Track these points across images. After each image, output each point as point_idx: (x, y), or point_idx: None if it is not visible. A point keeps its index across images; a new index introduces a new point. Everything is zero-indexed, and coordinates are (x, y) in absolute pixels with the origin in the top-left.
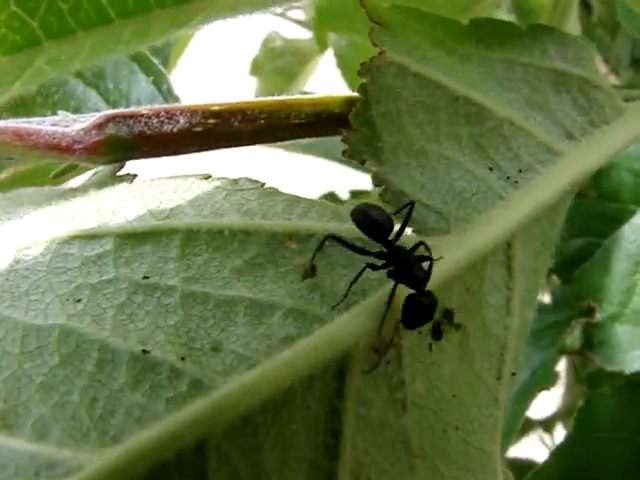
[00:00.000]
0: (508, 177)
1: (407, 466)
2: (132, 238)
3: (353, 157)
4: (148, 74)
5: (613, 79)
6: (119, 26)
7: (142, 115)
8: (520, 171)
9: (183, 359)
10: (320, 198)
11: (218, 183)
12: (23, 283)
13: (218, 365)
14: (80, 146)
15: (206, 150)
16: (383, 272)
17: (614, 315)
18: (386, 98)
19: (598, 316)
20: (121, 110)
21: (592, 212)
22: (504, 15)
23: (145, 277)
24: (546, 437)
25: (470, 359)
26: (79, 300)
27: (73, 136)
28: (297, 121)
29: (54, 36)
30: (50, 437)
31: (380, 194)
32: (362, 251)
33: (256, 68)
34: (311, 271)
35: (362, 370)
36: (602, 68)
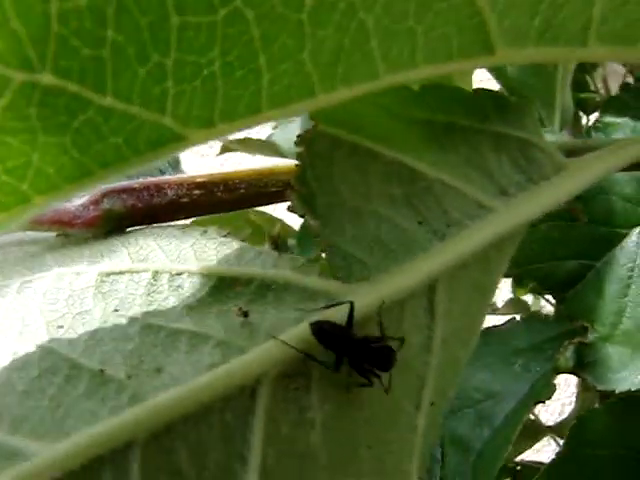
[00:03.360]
0: (435, 230)
1: (315, 477)
2: (111, 276)
3: (295, 212)
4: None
5: (630, 79)
6: (100, 176)
7: (134, 189)
8: (448, 225)
9: (130, 377)
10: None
11: (190, 232)
12: (22, 310)
13: (156, 383)
14: (79, 221)
15: (193, 217)
16: (300, 313)
17: (605, 336)
18: (320, 164)
19: (590, 336)
20: (114, 185)
21: (584, 236)
22: None
23: (115, 310)
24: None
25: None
26: (61, 326)
27: (73, 212)
28: (274, 189)
29: (42, 192)
30: (20, 432)
31: (317, 244)
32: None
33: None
34: (244, 312)
35: (272, 393)
36: (619, 69)
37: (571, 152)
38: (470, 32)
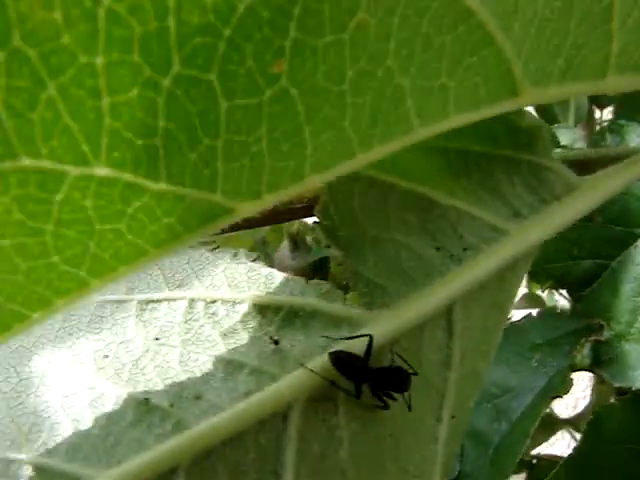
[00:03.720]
0: (452, 255)
1: None
2: (150, 304)
3: (319, 243)
4: None
5: None
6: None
7: None
8: (465, 249)
9: (172, 405)
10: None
11: (222, 255)
12: (69, 339)
13: (196, 410)
14: None
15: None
16: (326, 340)
17: (621, 334)
18: (341, 198)
19: (606, 334)
20: None
21: (599, 236)
22: None
23: (156, 338)
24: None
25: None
26: (107, 356)
27: None
28: (299, 205)
29: None
30: (76, 459)
31: (342, 273)
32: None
33: None
34: (275, 340)
35: (302, 416)
36: None
37: (584, 164)
38: (497, 79)
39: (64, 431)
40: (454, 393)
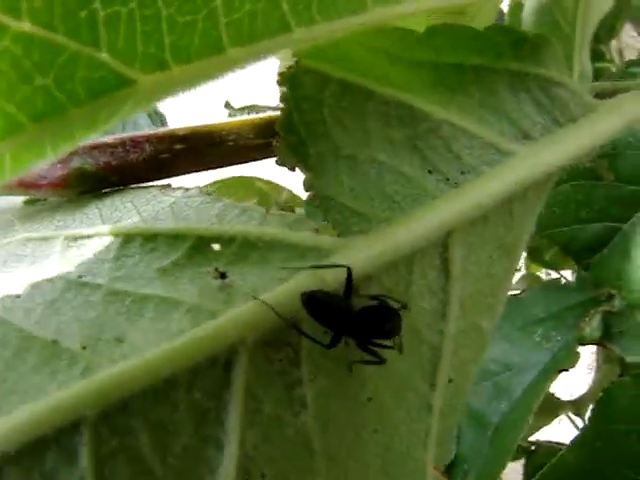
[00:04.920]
0: (448, 179)
1: (308, 465)
2: (78, 240)
3: (284, 165)
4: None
5: None
6: (35, 132)
7: (107, 145)
8: (462, 173)
9: (85, 348)
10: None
11: (172, 193)
12: None
13: (114, 354)
14: (45, 181)
15: (175, 176)
16: (287, 272)
17: (634, 303)
18: (308, 106)
19: (618, 304)
20: (85, 142)
21: (610, 196)
22: None
23: (79, 276)
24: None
25: (394, 363)
26: (18, 296)
27: (38, 172)
28: (265, 141)
29: None
30: None
31: (309, 200)
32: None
33: None
34: (222, 274)
35: (251, 365)
36: (634, 42)
37: (599, 97)
38: None
39: None
40: (452, 352)
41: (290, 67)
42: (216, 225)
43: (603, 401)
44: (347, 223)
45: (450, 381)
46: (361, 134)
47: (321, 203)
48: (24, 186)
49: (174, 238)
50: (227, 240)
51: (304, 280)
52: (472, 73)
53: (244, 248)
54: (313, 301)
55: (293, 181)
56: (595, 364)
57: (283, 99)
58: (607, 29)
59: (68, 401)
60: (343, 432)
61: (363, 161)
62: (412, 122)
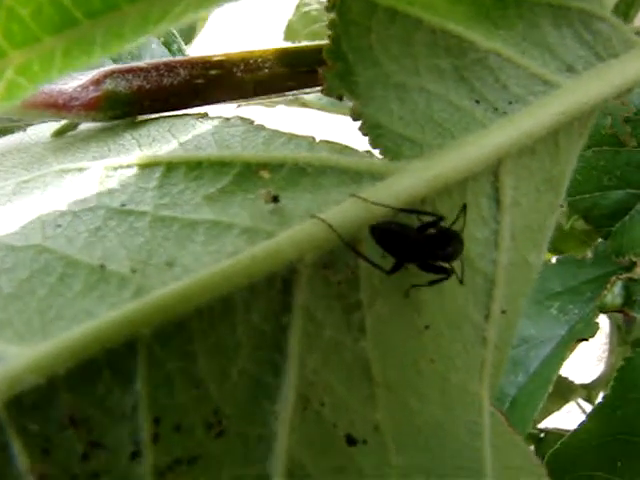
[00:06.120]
0: (496, 109)
1: (367, 394)
2: (118, 170)
3: (330, 94)
4: (158, 35)
5: None
6: (88, 28)
7: (141, 69)
8: (510, 103)
9: (134, 271)
10: None
11: (211, 122)
12: (17, 212)
13: (166, 277)
14: (77, 103)
15: (209, 104)
16: (343, 194)
17: None
18: (356, 32)
19: (639, 272)
20: (119, 65)
21: (631, 162)
22: None
23: (123, 204)
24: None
25: (450, 291)
26: (59, 225)
27: (70, 93)
28: (302, 69)
29: (19, 45)
30: (2, 337)
31: (359, 128)
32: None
33: (290, 33)
34: (274, 197)
35: (310, 287)
36: None
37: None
38: None
39: None
40: (504, 282)
41: None
42: (262, 152)
43: (624, 369)
44: (399, 149)
45: (503, 312)
46: (409, 62)
47: (370, 131)
48: (56, 107)
49: (220, 165)
50: (276, 166)
51: (359, 202)
52: (514, 7)
53: (294, 174)
54: (382, 232)
55: None
56: (606, 354)
57: (331, 25)
58: (621, 16)
59: (121, 321)
60: (401, 361)
61: (412, 89)
62: (459, 52)
